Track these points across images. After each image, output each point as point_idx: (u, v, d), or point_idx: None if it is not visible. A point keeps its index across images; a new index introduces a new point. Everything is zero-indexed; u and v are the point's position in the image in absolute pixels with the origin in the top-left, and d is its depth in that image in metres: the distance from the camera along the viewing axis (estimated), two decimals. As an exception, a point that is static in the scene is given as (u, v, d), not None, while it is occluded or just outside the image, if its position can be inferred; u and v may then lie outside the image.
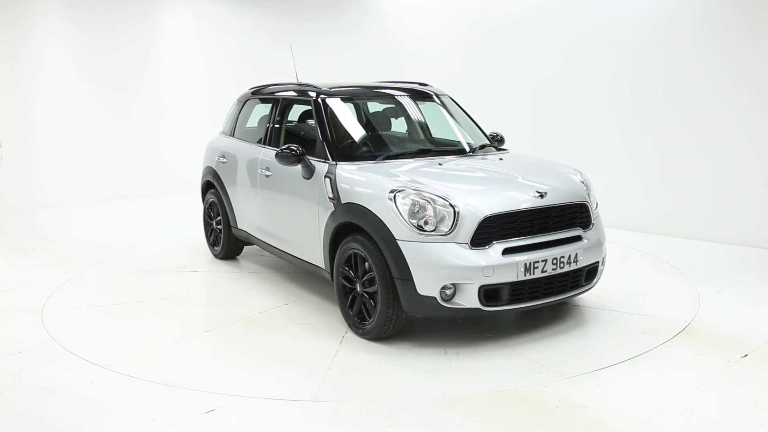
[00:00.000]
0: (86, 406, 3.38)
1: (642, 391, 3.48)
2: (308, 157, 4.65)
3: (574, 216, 4.22)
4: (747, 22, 6.39)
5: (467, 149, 4.96)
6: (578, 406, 3.30)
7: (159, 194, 9.87)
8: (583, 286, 4.29)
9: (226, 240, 6.00)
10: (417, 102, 5.39)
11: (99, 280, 5.62)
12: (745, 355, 3.90)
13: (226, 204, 5.89)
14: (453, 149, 4.96)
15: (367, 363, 3.88)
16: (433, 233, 3.85)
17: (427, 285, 3.83)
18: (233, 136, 6.06)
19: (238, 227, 5.78)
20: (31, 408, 3.36)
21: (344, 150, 4.70)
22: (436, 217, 3.86)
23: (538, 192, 4.07)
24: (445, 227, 3.85)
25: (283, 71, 10.20)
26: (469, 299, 3.83)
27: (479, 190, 4.10)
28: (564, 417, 3.20)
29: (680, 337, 4.20)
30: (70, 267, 5.97)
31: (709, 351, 3.96)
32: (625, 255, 6.28)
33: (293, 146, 4.62)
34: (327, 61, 9.94)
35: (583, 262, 4.16)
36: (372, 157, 4.65)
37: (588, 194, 4.40)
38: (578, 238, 4.19)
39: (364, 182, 4.24)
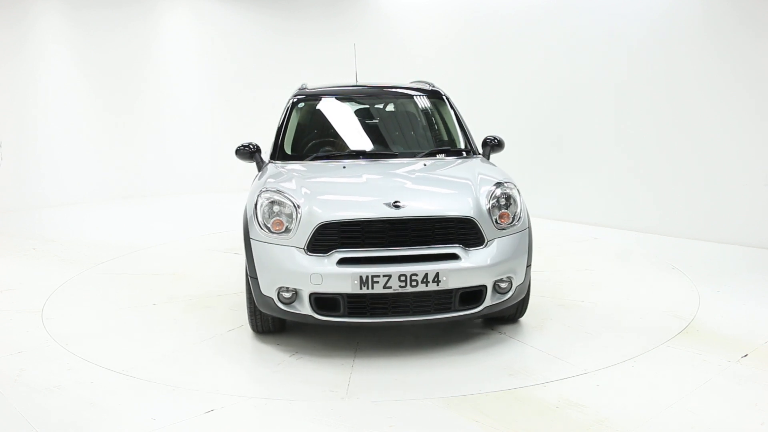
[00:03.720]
0: (86, 406, 3.38)
1: (642, 391, 3.47)
2: (261, 155, 4.95)
3: (449, 232, 3.82)
4: (747, 21, 6.39)
5: (399, 152, 4.82)
6: (578, 406, 3.30)
7: (159, 194, 9.88)
8: (457, 310, 3.83)
9: None
10: (400, 102, 5.41)
11: (99, 280, 5.62)
12: (745, 355, 3.89)
13: None
14: (388, 152, 4.84)
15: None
16: (278, 235, 3.86)
17: (267, 285, 3.87)
18: None
19: None
20: (31, 408, 3.36)
21: (283, 149, 4.88)
22: (285, 219, 3.87)
23: (394, 203, 3.80)
24: (288, 230, 3.85)
25: (283, 71, 10.22)
26: (304, 306, 3.79)
27: (337, 197, 4.04)
28: (564, 417, 3.20)
29: (680, 337, 4.20)
30: (70, 267, 5.97)
31: (709, 351, 3.96)
32: (625, 255, 6.28)
33: (251, 143, 4.91)
34: (327, 61, 9.95)
35: (454, 283, 3.73)
36: (301, 157, 4.80)
37: (488, 210, 3.93)
38: (453, 257, 3.79)
39: (257, 181, 4.41)
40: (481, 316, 4.14)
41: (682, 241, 6.78)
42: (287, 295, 3.81)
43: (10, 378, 3.70)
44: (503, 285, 3.93)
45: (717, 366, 3.75)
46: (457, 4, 8.82)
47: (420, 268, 3.69)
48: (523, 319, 4.48)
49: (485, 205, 3.95)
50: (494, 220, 3.94)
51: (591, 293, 4.98)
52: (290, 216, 3.86)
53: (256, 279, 3.92)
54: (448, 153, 4.90)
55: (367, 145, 5.03)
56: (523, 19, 8.14)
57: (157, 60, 9.98)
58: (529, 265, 4.11)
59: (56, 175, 9.17)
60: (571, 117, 7.84)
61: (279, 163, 4.70)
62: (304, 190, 4.00)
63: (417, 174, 4.37)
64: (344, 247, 3.74)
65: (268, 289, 3.86)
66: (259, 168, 4.85)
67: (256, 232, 3.95)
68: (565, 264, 5.96)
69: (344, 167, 4.47)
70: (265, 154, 4.98)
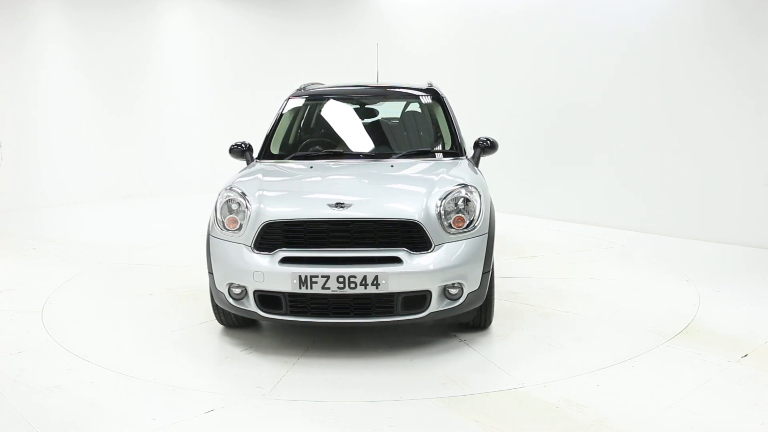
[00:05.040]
0: (86, 406, 3.38)
1: (642, 391, 3.47)
2: (251, 153, 5.01)
3: (393, 235, 3.78)
4: (747, 21, 6.39)
5: (376, 153, 4.81)
6: (578, 406, 3.30)
7: (159, 194, 9.88)
8: (400, 314, 3.77)
9: None
10: (392, 103, 5.43)
11: (99, 280, 5.62)
12: (745, 355, 3.89)
13: None
14: (365, 153, 4.83)
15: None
16: (232, 233, 3.95)
17: (220, 281, 3.96)
18: None
19: None
20: (31, 408, 3.36)
21: (269, 148, 4.97)
22: (239, 218, 3.95)
23: (337, 204, 3.81)
24: (240, 228, 3.92)
25: (283, 71, 10.22)
26: (250, 303, 3.86)
27: (288, 196, 4.10)
28: (564, 417, 3.20)
29: (680, 337, 4.20)
30: (70, 267, 5.97)
31: (709, 351, 3.96)
32: (625, 255, 6.28)
33: (243, 142, 5.00)
34: (327, 61, 9.95)
35: (395, 287, 3.68)
36: (283, 156, 4.89)
37: (439, 214, 3.84)
38: (395, 260, 3.73)
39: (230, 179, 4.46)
40: (432, 322, 4.09)
41: (682, 241, 6.78)
42: (237, 291, 3.90)
43: (10, 378, 3.70)
44: (453, 291, 3.83)
45: (717, 366, 3.75)
46: (457, 4, 8.82)
47: (359, 270, 3.67)
48: (492, 326, 4.36)
49: (436, 208, 3.86)
50: (447, 224, 3.86)
51: (581, 302, 4.85)
52: (243, 214, 3.94)
53: (212, 275, 4.05)
54: (431, 154, 4.83)
55: (346, 145, 5.06)
56: (522, 19, 8.14)
57: (157, 60, 9.98)
58: (486, 272, 3.96)
59: (56, 175, 9.17)
60: (570, 117, 7.84)
61: (261, 162, 4.80)
62: (259, 189, 4.07)
63: (377, 176, 4.33)
64: (288, 247, 3.79)
65: (221, 284, 3.96)
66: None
67: (215, 229, 4.08)
68: (564, 266, 5.96)
69: (311, 167, 4.52)
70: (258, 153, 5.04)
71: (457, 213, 3.92)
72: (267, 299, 3.83)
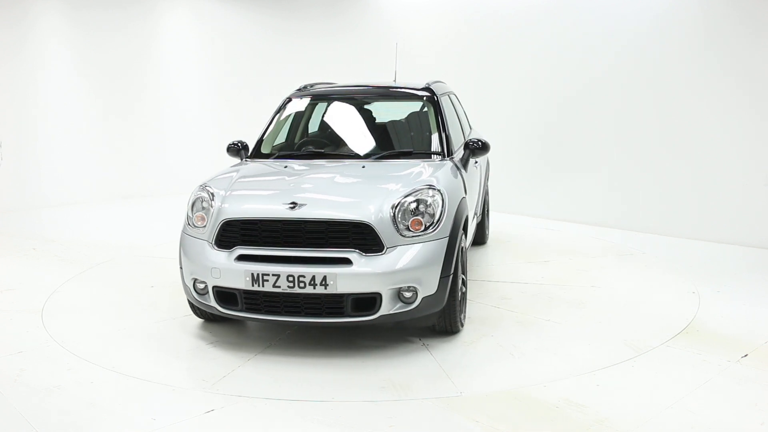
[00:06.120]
0: (86, 406, 3.38)
1: (642, 391, 3.48)
2: (246, 152, 5.07)
3: (344, 236, 3.77)
4: (746, 21, 6.39)
5: (354, 154, 4.86)
6: (578, 406, 3.30)
7: (159, 194, 9.87)
8: (350, 316, 3.76)
9: None
10: (385, 103, 5.45)
11: (99, 280, 5.62)
12: (745, 355, 3.90)
13: None
14: (345, 154, 4.90)
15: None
16: (199, 229, 4.08)
17: (187, 276, 4.10)
18: None
19: None
20: (31, 408, 3.36)
21: (259, 148, 5.07)
22: (206, 215, 4.07)
23: (291, 203, 3.85)
24: (206, 225, 4.05)
25: (283, 71, 10.22)
26: (210, 298, 3.97)
27: (249, 195, 4.17)
28: (564, 417, 3.20)
29: (680, 337, 4.20)
30: (70, 267, 5.97)
31: (709, 351, 3.96)
32: (625, 255, 6.28)
33: (239, 141, 5.08)
34: (327, 61, 9.95)
35: (344, 288, 3.68)
36: (268, 156, 4.98)
37: (393, 216, 3.81)
38: (345, 261, 3.73)
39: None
40: (391, 324, 4.16)
41: (681, 241, 6.78)
42: (201, 286, 4.02)
43: (10, 378, 3.70)
44: (407, 294, 3.79)
45: (717, 366, 3.75)
46: (457, 4, 8.82)
47: (308, 270, 3.70)
48: (463, 332, 4.28)
49: (390, 210, 3.82)
50: (403, 227, 3.82)
51: (569, 310, 4.67)
52: (208, 212, 4.07)
53: (181, 269, 4.18)
54: (414, 155, 4.75)
55: (329, 145, 5.10)
56: (523, 19, 8.14)
57: (157, 60, 9.98)
58: (446, 276, 3.89)
59: (56, 175, 9.16)
60: (570, 116, 7.83)
61: (249, 161, 4.92)
62: (228, 188, 4.17)
63: (344, 177, 4.32)
64: (246, 245, 3.87)
65: (188, 279, 4.10)
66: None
67: (186, 225, 4.24)
68: (571, 272, 5.95)
69: (285, 167, 4.60)
70: None
71: (415, 216, 3.88)
72: (224, 295, 3.93)
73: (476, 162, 5.43)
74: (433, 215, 3.92)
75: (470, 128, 6.45)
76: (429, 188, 4.00)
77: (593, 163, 7.71)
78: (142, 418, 3.24)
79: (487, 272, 5.66)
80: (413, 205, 3.90)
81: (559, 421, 3.16)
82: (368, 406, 3.36)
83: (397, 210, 3.85)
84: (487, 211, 6.79)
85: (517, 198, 8.23)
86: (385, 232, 3.78)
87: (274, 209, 3.86)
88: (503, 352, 4.00)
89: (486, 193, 6.58)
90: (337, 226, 3.78)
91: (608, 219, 7.50)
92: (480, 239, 6.52)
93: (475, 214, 5.68)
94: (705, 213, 6.80)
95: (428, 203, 3.93)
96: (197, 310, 4.41)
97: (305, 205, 3.84)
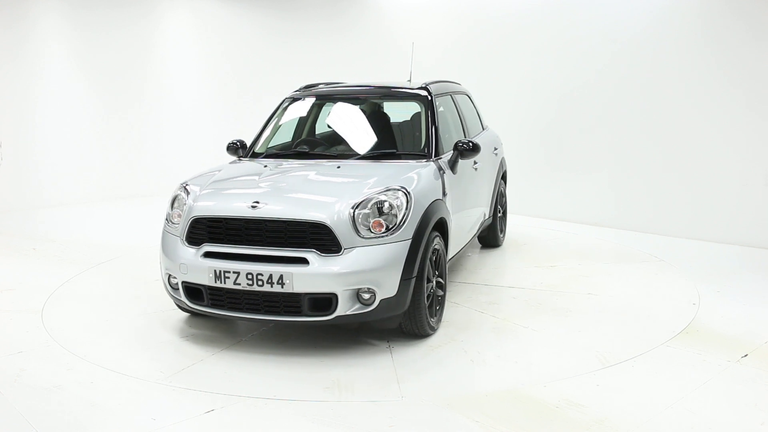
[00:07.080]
0: (86, 406, 3.38)
1: (642, 391, 3.48)
2: (243, 151, 5.17)
3: (302, 236, 3.79)
4: (746, 21, 6.40)
5: (338, 154, 4.90)
6: (578, 406, 3.31)
7: (159, 194, 9.86)
8: (307, 315, 3.78)
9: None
10: (379, 103, 5.44)
11: (99, 280, 5.62)
12: (745, 355, 3.90)
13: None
14: (329, 154, 4.97)
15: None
16: (175, 226, 4.20)
17: (163, 271, 4.23)
18: None
19: None
20: (31, 408, 3.36)
21: (253, 148, 5.18)
22: (182, 212, 4.17)
23: (253, 203, 3.90)
24: (180, 223, 4.15)
25: (283, 71, 10.22)
26: (180, 293, 4.09)
27: (219, 194, 4.22)
28: (564, 417, 3.21)
29: (680, 337, 4.20)
30: (70, 267, 5.97)
31: (709, 351, 3.96)
32: (625, 255, 6.28)
33: (238, 140, 5.18)
34: (327, 61, 9.95)
35: (300, 288, 3.71)
36: (258, 155, 5.06)
37: (353, 217, 3.80)
38: (302, 261, 3.75)
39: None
40: (356, 325, 4.23)
41: (681, 240, 6.77)
42: (174, 281, 4.13)
43: (10, 378, 3.70)
44: (365, 296, 3.78)
45: (717, 366, 3.75)
46: (458, 5, 8.82)
47: (266, 268, 3.76)
48: (434, 336, 4.22)
49: (351, 211, 3.82)
50: (364, 228, 3.81)
51: (553, 318, 4.52)
52: (183, 209, 4.18)
53: (160, 265, 4.29)
54: (396, 156, 4.72)
55: (318, 146, 5.17)
56: (524, 19, 8.14)
57: (157, 60, 9.98)
58: (408, 279, 3.86)
59: (56, 175, 9.15)
60: (570, 117, 7.83)
61: (241, 160, 5.04)
62: (204, 187, 4.27)
63: (314, 177, 4.36)
64: (213, 242, 3.97)
65: (164, 274, 4.24)
66: None
67: (165, 222, 4.35)
68: (574, 278, 5.94)
69: (265, 166, 4.67)
70: None
71: (376, 217, 3.86)
72: (192, 291, 4.04)
73: (475, 163, 5.35)
74: (395, 217, 3.90)
75: (482, 128, 6.37)
76: (394, 189, 3.97)
77: (593, 163, 7.70)
78: (142, 418, 3.24)
79: (487, 276, 5.61)
80: (375, 206, 3.88)
81: (558, 421, 3.17)
82: (369, 405, 3.36)
83: (356, 211, 3.83)
84: (503, 213, 6.59)
85: (539, 200, 8.07)
86: (342, 232, 3.78)
87: (237, 208, 3.94)
88: (464, 359, 3.91)
89: (501, 196, 6.44)
90: (295, 225, 3.82)
91: (607, 218, 7.47)
92: (493, 242, 6.40)
93: (484, 216, 5.70)
94: (705, 213, 6.77)
95: (391, 205, 3.91)
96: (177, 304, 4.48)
97: (267, 204, 3.90)
